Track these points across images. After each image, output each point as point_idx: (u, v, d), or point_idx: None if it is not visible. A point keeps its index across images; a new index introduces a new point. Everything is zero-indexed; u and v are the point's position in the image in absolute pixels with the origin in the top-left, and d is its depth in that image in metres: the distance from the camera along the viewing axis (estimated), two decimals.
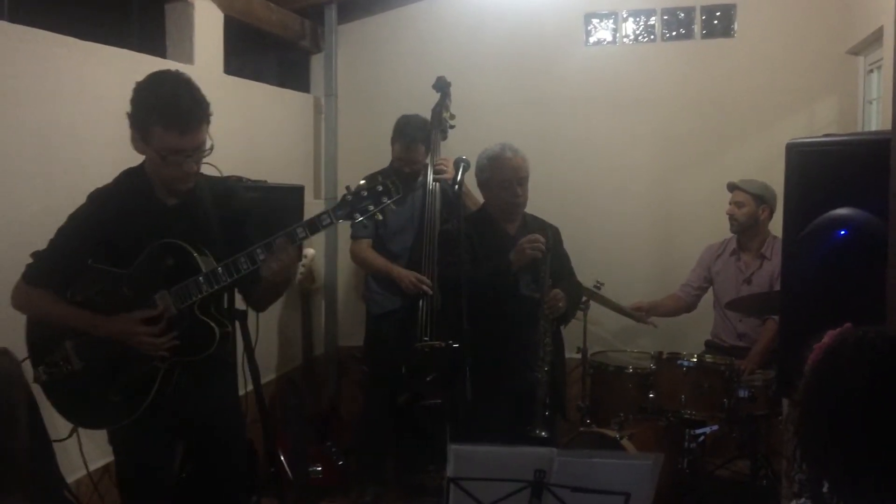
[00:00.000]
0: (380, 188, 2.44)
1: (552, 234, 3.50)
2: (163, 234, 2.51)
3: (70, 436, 2.72)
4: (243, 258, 2.46)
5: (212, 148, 2.50)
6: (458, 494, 1.95)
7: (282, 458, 4.22)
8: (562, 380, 3.57)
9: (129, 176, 2.62)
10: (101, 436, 3.12)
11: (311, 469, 4.40)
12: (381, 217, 2.50)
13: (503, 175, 3.43)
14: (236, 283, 2.55)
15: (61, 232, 2.59)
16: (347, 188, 2.48)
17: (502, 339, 3.33)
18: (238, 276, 2.46)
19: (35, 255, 2.61)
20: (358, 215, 2.45)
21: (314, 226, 2.47)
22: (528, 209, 3.62)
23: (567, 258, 3.69)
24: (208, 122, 2.47)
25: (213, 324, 2.54)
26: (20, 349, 2.67)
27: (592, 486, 1.93)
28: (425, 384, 3.86)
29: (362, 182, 2.50)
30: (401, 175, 4.21)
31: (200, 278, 2.47)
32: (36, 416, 3.02)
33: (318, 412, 4.73)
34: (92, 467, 3.44)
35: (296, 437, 4.38)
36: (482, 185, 3.53)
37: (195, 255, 2.49)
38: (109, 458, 3.50)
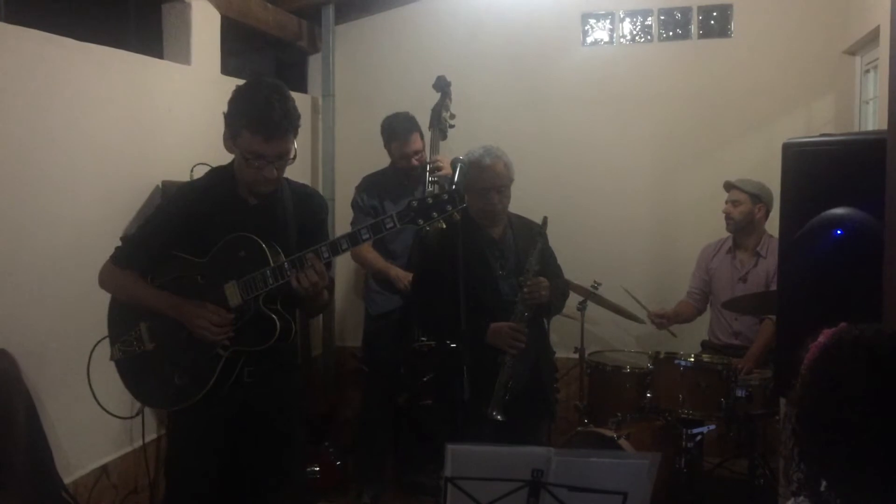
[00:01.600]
0: (445, 196, 2.54)
1: (536, 232, 3.48)
2: (242, 230, 2.63)
3: (137, 414, 2.92)
4: (309, 255, 2.55)
5: (295, 157, 2.62)
6: (455, 494, 1.95)
7: None
8: (549, 377, 3.53)
9: (217, 173, 2.76)
10: (98, 437, 3.13)
11: (308, 469, 4.40)
12: (444, 226, 2.60)
13: (480, 183, 3.34)
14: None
15: (149, 220, 2.78)
16: (414, 195, 2.56)
17: (481, 333, 3.30)
18: (304, 271, 2.54)
19: (124, 239, 2.80)
20: (421, 221, 2.54)
21: (377, 228, 2.56)
22: (525, 208, 3.60)
23: (553, 256, 3.63)
24: (295, 134, 2.59)
25: (275, 317, 2.63)
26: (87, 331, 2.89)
27: (590, 485, 1.93)
28: (423, 384, 3.85)
29: (430, 189, 2.56)
30: (409, 172, 4.23)
31: (267, 271, 2.57)
32: (33, 417, 3.03)
33: (316, 412, 4.73)
34: (91, 466, 3.46)
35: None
36: (466, 189, 3.45)
37: (265, 248, 2.59)
38: (106, 458, 3.52)
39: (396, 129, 4.26)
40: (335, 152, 5.34)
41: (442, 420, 3.35)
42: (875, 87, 4.44)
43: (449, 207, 2.53)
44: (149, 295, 2.69)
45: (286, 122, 2.54)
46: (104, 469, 3.51)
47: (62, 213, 3.29)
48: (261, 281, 2.57)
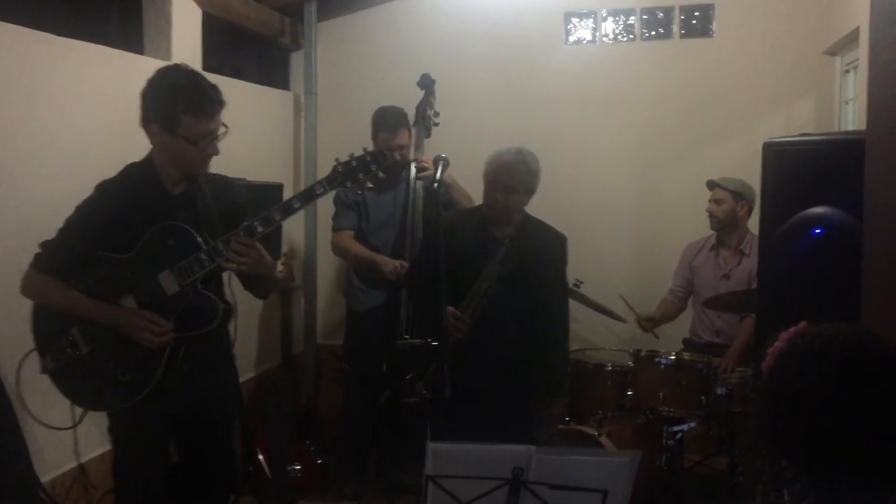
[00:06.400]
0: (368, 158, 2.63)
1: (546, 242, 3.49)
2: (168, 220, 2.62)
3: (80, 422, 2.78)
4: (242, 232, 2.59)
5: (227, 129, 2.66)
6: (436, 492, 1.95)
7: (260, 456, 4.20)
8: (528, 381, 3.52)
9: (134, 168, 2.72)
10: (76, 435, 3.09)
11: (289, 468, 4.39)
12: (371, 185, 2.72)
13: (491, 175, 3.39)
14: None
15: (70, 221, 2.65)
16: (337, 160, 2.65)
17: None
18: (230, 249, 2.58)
19: (44, 244, 2.67)
20: (349, 183, 2.63)
21: (308, 195, 2.64)
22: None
23: (559, 273, 3.59)
24: (224, 105, 2.65)
25: (215, 297, 2.66)
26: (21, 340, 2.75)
27: (570, 483, 1.93)
28: (405, 382, 3.85)
29: (350, 153, 2.66)
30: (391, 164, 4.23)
31: (202, 254, 2.57)
32: (10, 415, 2.99)
33: (297, 411, 4.72)
34: (66, 468, 3.43)
35: (275, 435, 4.37)
36: (483, 178, 3.51)
37: (195, 233, 2.59)
38: (84, 458, 3.49)
39: (386, 120, 4.27)
40: (317, 150, 5.32)
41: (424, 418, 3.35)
42: (855, 88, 4.47)
43: (373, 167, 2.62)
44: (79, 302, 2.61)
45: (218, 95, 2.61)
46: (82, 468, 3.48)
47: (44, 209, 3.25)
48: (196, 264, 2.57)
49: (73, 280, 2.62)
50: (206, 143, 2.60)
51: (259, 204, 4.03)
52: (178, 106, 2.54)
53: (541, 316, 3.50)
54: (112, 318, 2.59)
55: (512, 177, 3.37)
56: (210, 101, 2.58)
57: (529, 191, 3.45)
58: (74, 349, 2.64)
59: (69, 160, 3.39)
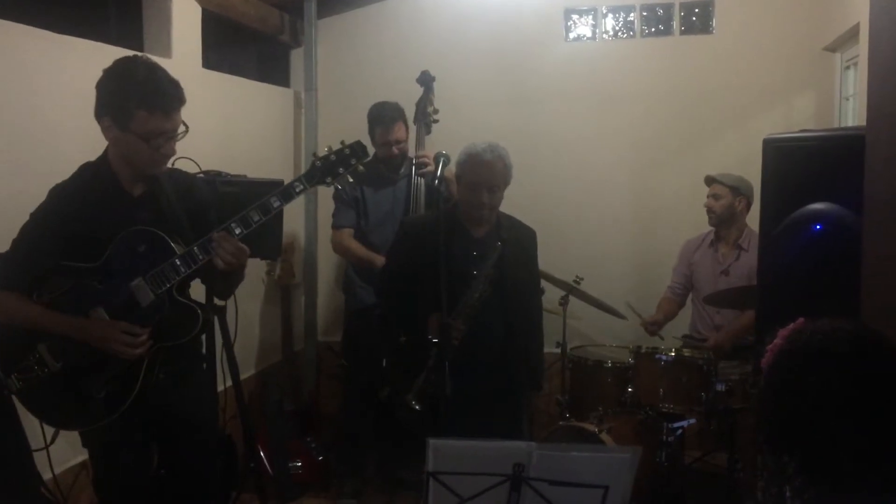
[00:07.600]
0: (347, 151, 2.54)
1: (521, 240, 3.47)
2: (131, 224, 2.50)
3: (52, 442, 2.67)
4: (218, 234, 2.47)
5: (187, 129, 2.51)
6: (437, 489, 1.95)
7: (261, 453, 4.21)
8: (518, 376, 3.52)
9: (89, 169, 2.59)
10: (74, 434, 3.08)
11: (291, 464, 4.39)
12: (351, 180, 2.60)
13: (473, 177, 3.30)
14: (199, 272, 2.55)
15: (25, 231, 2.52)
16: (314, 154, 2.57)
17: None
18: (219, 251, 2.46)
19: (0, 257, 2.54)
20: (329, 178, 2.54)
21: (287, 194, 2.51)
22: (506, 202, 3.58)
23: (534, 269, 3.61)
24: (184, 103, 2.49)
25: (195, 305, 2.54)
26: None
27: (571, 479, 1.94)
28: (407, 379, 3.84)
29: (328, 147, 2.58)
30: (389, 160, 4.23)
31: (177, 260, 2.46)
32: (12, 414, 2.99)
33: (298, 407, 4.72)
34: (71, 463, 3.43)
35: (276, 432, 4.38)
36: (457, 179, 3.45)
37: (167, 238, 2.48)
38: (87, 454, 3.48)
39: (382, 115, 4.27)
40: (318, 146, 5.31)
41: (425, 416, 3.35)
42: (855, 84, 4.47)
43: (353, 161, 2.54)
44: (43, 317, 2.46)
45: (178, 92, 2.46)
46: (84, 465, 3.48)
47: None
48: (171, 271, 2.44)
49: (35, 293, 2.49)
50: (161, 142, 2.44)
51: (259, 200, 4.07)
52: (132, 100, 2.38)
53: (522, 312, 3.50)
54: (81, 331, 2.46)
55: (494, 176, 3.30)
56: (167, 98, 2.42)
57: (507, 185, 3.42)
58: (42, 367, 2.50)
59: (68, 156, 3.38)
